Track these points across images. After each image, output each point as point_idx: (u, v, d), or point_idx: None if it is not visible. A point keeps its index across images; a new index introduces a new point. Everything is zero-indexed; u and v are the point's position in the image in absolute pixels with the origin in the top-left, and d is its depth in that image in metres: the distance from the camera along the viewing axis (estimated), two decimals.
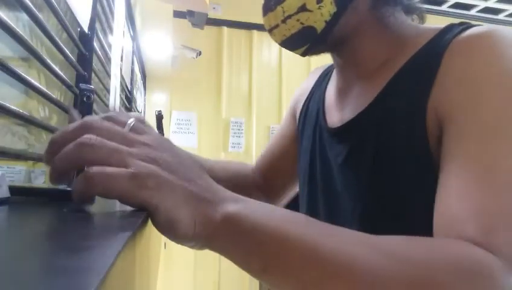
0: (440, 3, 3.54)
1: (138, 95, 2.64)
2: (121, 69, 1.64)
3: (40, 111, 0.83)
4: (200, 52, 2.80)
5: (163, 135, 1.77)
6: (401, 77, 0.46)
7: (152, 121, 2.68)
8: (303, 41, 0.49)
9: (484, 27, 0.43)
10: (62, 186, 0.36)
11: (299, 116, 0.69)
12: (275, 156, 0.76)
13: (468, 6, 3.59)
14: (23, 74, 0.62)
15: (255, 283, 3.08)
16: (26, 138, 0.79)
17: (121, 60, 1.68)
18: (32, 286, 0.13)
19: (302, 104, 0.68)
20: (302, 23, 0.46)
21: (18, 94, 0.71)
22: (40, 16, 0.69)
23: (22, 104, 0.74)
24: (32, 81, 0.67)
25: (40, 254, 0.17)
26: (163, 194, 0.28)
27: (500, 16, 3.74)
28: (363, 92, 0.51)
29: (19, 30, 0.60)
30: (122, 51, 1.74)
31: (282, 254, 0.29)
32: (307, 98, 0.67)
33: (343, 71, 0.56)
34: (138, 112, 2.63)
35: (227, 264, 3.40)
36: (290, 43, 0.50)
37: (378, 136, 0.47)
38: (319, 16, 0.45)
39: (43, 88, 0.74)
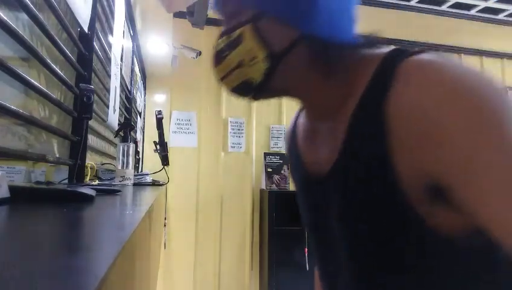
0: (440, 3, 3.54)
1: (138, 95, 2.64)
2: (121, 69, 1.64)
3: (40, 111, 0.83)
4: (200, 52, 2.80)
5: (163, 134, 1.76)
6: (357, 120, 0.48)
7: (152, 121, 2.64)
8: (246, 92, 0.55)
9: (416, 61, 0.43)
10: (62, 187, 0.36)
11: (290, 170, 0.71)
12: None
13: (468, 6, 3.59)
14: (23, 74, 0.62)
15: (255, 283, 3.08)
16: (26, 138, 0.79)
17: (121, 60, 1.68)
18: (32, 285, 0.13)
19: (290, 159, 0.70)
20: (241, 77, 0.53)
21: (18, 94, 0.71)
22: (40, 16, 0.69)
23: (22, 104, 0.74)
24: (32, 81, 0.67)
25: (40, 254, 0.17)
26: None
27: (500, 16, 3.74)
28: (329, 134, 0.53)
29: (19, 30, 0.60)
30: (122, 51, 1.74)
31: None
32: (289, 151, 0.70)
33: (306, 112, 0.59)
34: (138, 112, 2.63)
35: (227, 264, 3.39)
36: (237, 92, 0.56)
37: (352, 183, 0.48)
38: (254, 71, 0.52)
39: (43, 88, 0.74)
